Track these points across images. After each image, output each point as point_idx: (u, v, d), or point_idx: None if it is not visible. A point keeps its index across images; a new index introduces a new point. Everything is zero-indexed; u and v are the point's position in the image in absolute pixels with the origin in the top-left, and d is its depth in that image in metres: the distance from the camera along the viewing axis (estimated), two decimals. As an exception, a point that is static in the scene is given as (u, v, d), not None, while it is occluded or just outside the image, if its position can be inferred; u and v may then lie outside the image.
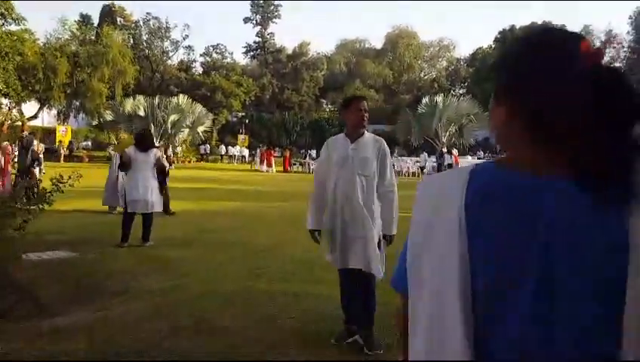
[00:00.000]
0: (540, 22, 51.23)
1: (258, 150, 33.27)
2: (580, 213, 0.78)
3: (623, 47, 47.21)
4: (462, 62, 63.85)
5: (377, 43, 66.40)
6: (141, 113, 29.91)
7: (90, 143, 40.93)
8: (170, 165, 25.15)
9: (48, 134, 35.74)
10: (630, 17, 45.35)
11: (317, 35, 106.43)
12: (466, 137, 31.75)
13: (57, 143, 33.97)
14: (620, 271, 0.75)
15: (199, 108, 32.65)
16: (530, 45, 0.90)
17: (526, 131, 0.85)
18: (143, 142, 7.69)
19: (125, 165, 7.47)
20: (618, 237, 0.76)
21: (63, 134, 35.46)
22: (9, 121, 35.44)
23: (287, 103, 55.74)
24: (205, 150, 40.39)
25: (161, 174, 8.17)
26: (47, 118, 38.41)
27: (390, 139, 44.74)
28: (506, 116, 0.89)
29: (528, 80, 0.86)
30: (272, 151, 32.88)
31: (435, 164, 28.35)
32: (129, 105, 30.26)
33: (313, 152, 36.47)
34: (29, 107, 35.52)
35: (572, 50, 0.84)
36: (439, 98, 32.27)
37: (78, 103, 35.53)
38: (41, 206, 5.02)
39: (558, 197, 0.80)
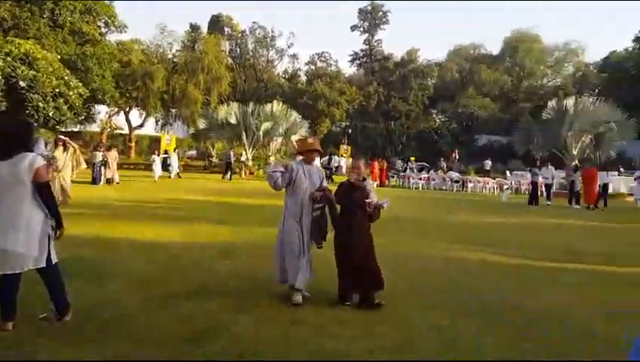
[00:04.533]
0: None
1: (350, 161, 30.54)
2: None
3: None
4: (592, 67, 56.53)
5: (494, 48, 61.19)
6: (232, 120, 28.82)
7: (195, 152, 41.26)
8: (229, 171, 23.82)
9: (156, 143, 36.36)
10: None
11: (428, 42, 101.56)
12: (604, 149, 26.34)
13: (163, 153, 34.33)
14: None
15: (294, 115, 30.92)
16: None
17: None
18: (7, 143, 4.04)
19: None
20: None
21: (168, 143, 35.75)
22: (108, 129, 36.98)
23: (393, 112, 52.82)
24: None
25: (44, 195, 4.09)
26: (153, 127, 39.14)
27: (507, 150, 40.39)
28: None
29: None
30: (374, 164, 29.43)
31: (563, 181, 23.69)
32: (222, 112, 29.33)
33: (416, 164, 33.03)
34: (136, 116, 36.46)
35: None
36: (569, 101, 27.25)
37: (174, 111, 35.65)
38: None
39: None
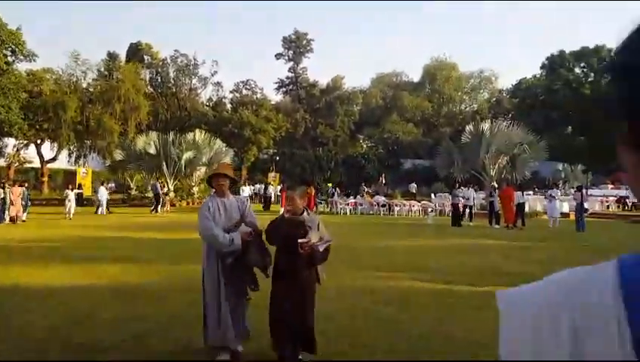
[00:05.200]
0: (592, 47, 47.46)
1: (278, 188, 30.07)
2: None
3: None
4: (505, 94, 60.26)
5: (415, 75, 63.91)
6: (152, 150, 27.50)
7: (114, 185, 39.09)
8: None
9: (72, 177, 34.01)
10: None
11: (351, 70, 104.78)
12: (519, 169, 27.62)
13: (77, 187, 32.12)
14: None
15: (218, 143, 30.08)
16: None
17: None
18: None
19: None
20: None
21: (84, 177, 33.56)
22: (16, 164, 34.30)
23: (321, 139, 53.24)
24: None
25: None
26: (67, 160, 36.67)
27: (431, 174, 41.68)
28: None
29: None
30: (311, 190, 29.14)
31: (484, 201, 24.48)
32: (140, 142, 27.94)
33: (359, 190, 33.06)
34: (48, 149, 34.05)
35: None
36: (485, 125, 28.48)
37: (89, 143, 33.68)
38: None
39: None
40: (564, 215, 23.09)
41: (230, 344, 4.42)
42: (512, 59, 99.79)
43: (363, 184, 36.25)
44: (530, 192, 28.18)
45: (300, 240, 4.10)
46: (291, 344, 4.23)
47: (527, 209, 21.95)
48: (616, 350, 0.44)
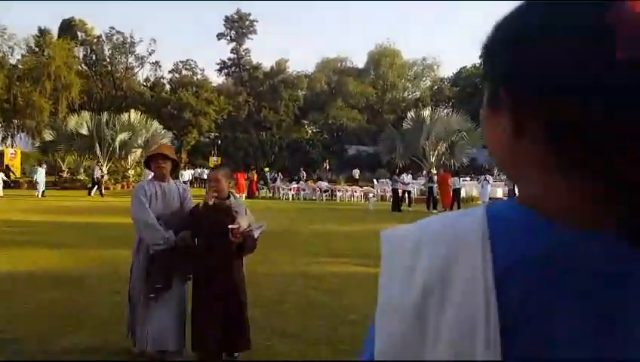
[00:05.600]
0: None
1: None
2: None
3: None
4: (446, 82, 61.66)
5: (359, 62, 64.03)
6: (84, 131, 26.07)
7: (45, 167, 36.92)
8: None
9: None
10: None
11: (296, 53, 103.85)
12: (457, 156, 28.36)
13: (4, 168, 30.08)
14: None
15: (155, 125, 28.95)
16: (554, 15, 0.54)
17: (552, 155, 0.54)
18: None
19: None
20: None
21: (12, 158, 31.53)
22: None
23: (264, 123, 52.51)
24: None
25: None
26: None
27: (374, 160, 42.16)
28: (513, 131, 0.57)
29: (558, 71, 0.52)
30: (243, 174, 28.24)
31: (423, 187, 24.95)
32: (72, 122, 26.42)
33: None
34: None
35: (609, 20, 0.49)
36: (426, 112, 28.99)
37: (16, 122, 31.65)
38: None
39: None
40: (496, 199, 23.90)
41: (146, 346, 3.90)
42: (453, 48, 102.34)
43: (302, 169, 36.04)
44: (467, 178, 29.07)
45: (230, 226, 3.65)
46: (216, 345, 3.79)
47: (463, 194, 22.53)
48: (479, 276, 0.50)
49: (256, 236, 3.84)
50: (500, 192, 24.87)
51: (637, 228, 0.50)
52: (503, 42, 0.58)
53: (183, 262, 3.99)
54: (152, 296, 3.88)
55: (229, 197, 3.99)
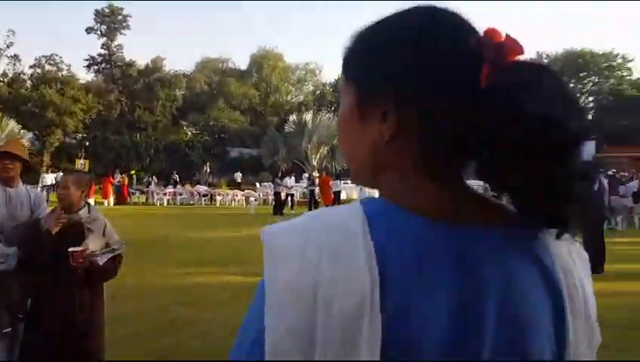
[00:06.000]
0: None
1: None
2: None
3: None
4: (328, 87, 63.04)
5: (242, 63, 63.03)
6: None
7: None
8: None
9: None
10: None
11: (174, 52, 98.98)
12: (338, 160, 28.74)
13: None
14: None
15: (12, 124, 25.69)
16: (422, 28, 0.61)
17: (424, 157, 0.59)
18: None
19: None
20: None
21: None
22: None
23: (139, 123, 49.36)
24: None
25: None
26: None
27: (257, 163, 41.51)
28: (389, 133, 0.61)
29: (423, 76, 0.58)
30: (112, 179, 25.75)
31: (305, 190, 24.88)
32: None
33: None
34: None
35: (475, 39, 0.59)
36: (308, 116, 29.07)
37: None
38: None
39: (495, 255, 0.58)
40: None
41: None
42: (334, 54, 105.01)
43: (175, 172, 34.15)
44: (348, 181, 29.69)
45: (71, 249, 2.80)
46: None
47: (344, 196, 22.81)
48: (362, 263, 0.53)
49: (101, 263, 2.93)
50: (377, 195, 25.57)
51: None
52: (377, 48, 0.62)
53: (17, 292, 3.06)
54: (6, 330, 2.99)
55: (81, 208, 3.11)
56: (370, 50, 0.63)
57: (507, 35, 0.58)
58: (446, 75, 0.57)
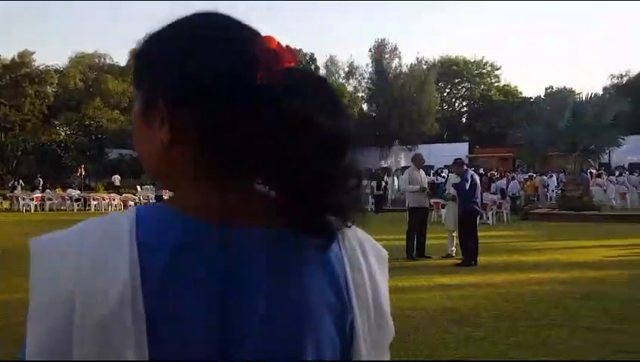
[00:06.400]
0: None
1: None
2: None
3: (364, 78, 50.06)
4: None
5: (121, 59, 59.75)
6: None
7: None
8: None
9: None
10: (370, 50, 48.28)
11: (44, 46, 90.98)
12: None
13: None
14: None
15: None
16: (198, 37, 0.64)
17: (203, 160, 0.62)
18: None
19: None
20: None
21: None
22: None
23: (4, 123, 45.03)
24: None
25: None
26: None
27: (139, 165, 39.22)
28: (169, 139, 0.63)
29: (202, 85, 0.61)
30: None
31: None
32: None
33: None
34: None
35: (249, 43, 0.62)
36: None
37: None
38: None
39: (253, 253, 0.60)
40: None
41: None
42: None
43: (39, 176, 31.75)
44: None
45: None
46: None
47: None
48: (127, 254, 0.55)
49: None
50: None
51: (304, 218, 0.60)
52: (152, 58, 0.65)
53: None
54: None
55: None
56: (146, 60, 0.68)
57: (281, 44, 0.62)
58: (220, 83, 0.60)
